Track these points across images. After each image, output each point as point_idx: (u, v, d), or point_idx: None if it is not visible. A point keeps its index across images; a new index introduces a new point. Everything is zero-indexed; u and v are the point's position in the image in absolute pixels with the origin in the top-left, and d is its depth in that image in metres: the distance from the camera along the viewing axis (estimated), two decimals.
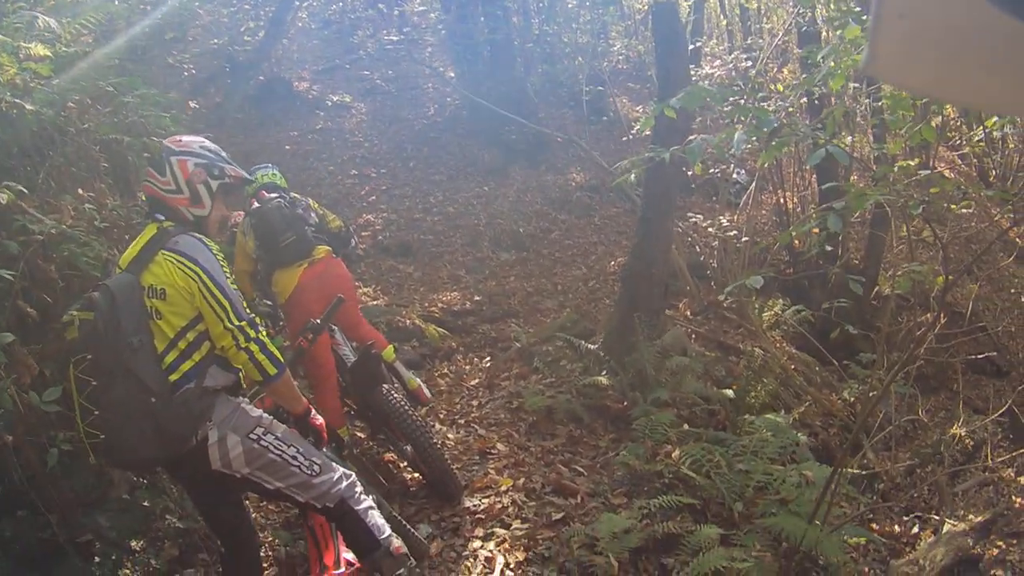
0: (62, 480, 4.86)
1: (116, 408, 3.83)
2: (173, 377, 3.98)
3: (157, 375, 3.92)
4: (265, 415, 4.31)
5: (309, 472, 4.26)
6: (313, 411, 4.51)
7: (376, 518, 4.46)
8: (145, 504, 5.54)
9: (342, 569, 4.62)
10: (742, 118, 6.53)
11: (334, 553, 4.74)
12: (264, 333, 4.06)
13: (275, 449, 4.18)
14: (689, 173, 12.63)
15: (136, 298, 3.96)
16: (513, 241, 14.95)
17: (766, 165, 12.90)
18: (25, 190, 4.82)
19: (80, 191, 5.64)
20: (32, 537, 4.60)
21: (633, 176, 7.18)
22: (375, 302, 11.69)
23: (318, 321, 5.71)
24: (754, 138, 6.13)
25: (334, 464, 4.49)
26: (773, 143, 6.36)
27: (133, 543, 5.23)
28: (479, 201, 16.54)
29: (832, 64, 7.30)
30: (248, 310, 4.08)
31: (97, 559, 4.88)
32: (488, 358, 10.53)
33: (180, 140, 4.41)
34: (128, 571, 5.03)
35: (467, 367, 10.33)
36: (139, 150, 6.16)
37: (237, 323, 3.98)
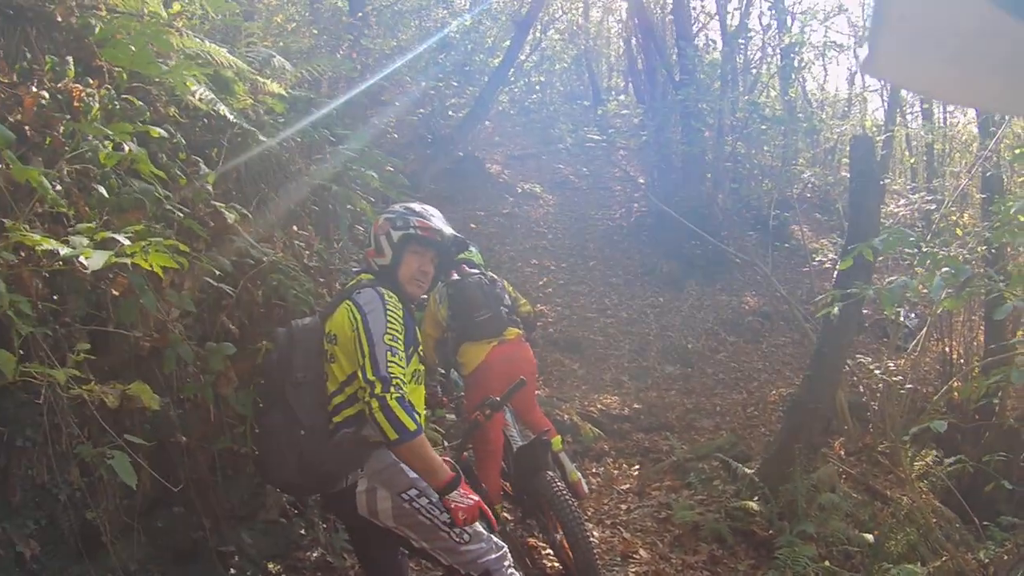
0: (221, 490, 5.14)
1: (268, 432, 4.21)
2: (336, 419, 4.23)
3: (316, 412, 4.18)
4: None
5: (458, 539, 4.29)
6: (458, 492, 4.17)
7: None
8: (302, 532, 5.86)
9: None
10: (931, 264, 6.60)
11: None
12: (396, 396, 3.95)
13: (426, 512, 4.22)
14: (865, 312, 12.62)
15: (315, 340, 4.28)
16: (679, 355, 15.05)
17: (939, 312, 12.83)
18: (248, 214, 5.17)
19: (295, 228, 5.98)
20: (183, 535, 4.87)
21: (836, 309, 7.31)
22: (537, 392, 11.92)
23: (498, 399, 5.95)
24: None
25: (487, 535, 4.49)
26: (964, 292, 6.45)
27: (271, 565, 5.50)
28: (652, 311, 16.70)
29: (1022, 217, 7.36)
30: (394, 371, 4.03)
31: (233, 571, 5.13)
32: (637, 466, 10.64)
33: (397, 205, 4.81)
34: None
35: (615, 471, 10.46)
36: (343, 200, 6.47)
37: (370, 376, 3.97)
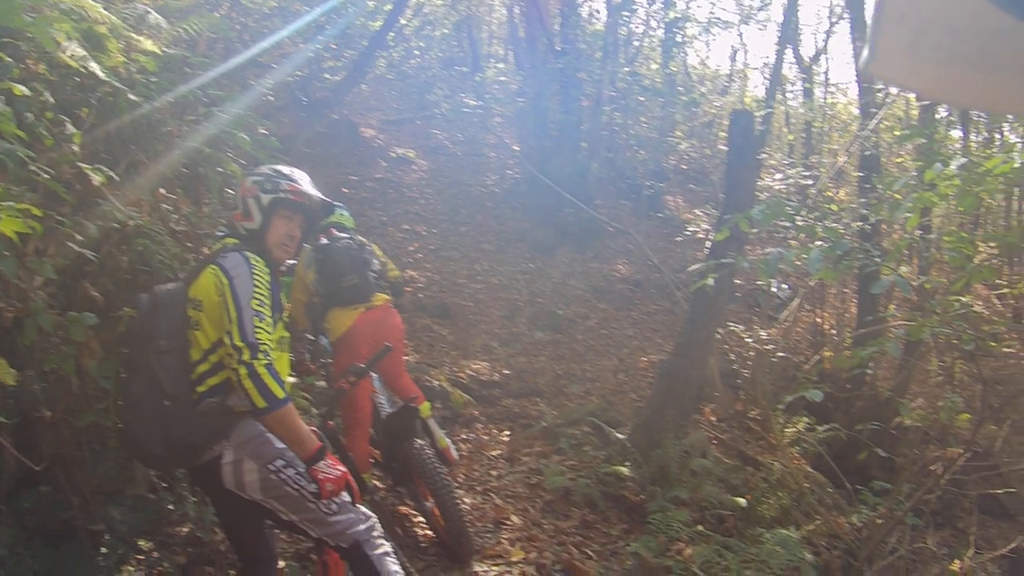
0: (88, 466, 4.89)
1: (133, 403, 3.96)
2: (200, 389, 4.08)
3: (180, 382, 4.00)
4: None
5: (326, 510, 4.22)
6: (324, 463, 4.14)
7: (390, 565, 4.38)
8: (170, 507, 5.60)
9: None
10: (809, 236, 6.60)
11: None
12: (264, 362, 3.86)
13: (293, 483, 4.13)
14: (738, 281, 12.70)
15: (179, 306, 4.09)
16: (550, 322, 14.96)
17: (811, 283, 12.97)
18: (116, 176, 4.91)
19: (162, 191, 5.73)
20: (51, 515, 4.64)
21: (712, 280, 7.25)
22: (406, 358, 11.78)
23: (363, 366, 5.77)
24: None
25: (355, 506, 4.43)
26: (841, 264, 6.45)
27: (142, 542, 5.26)
28: (523, 277, 16.59)
29: (898, 196, 7.40)
30: (261, 337, 3.92)
31: (104, 550, 4.90)
32: (508, 432, 10.56)
33: (257, 167, 4.66)
34: (132, 568, 5.05)
35: (486, 437, 10.37)
36: (214, 163, 6.25)
37: (237, 342, 3.86)
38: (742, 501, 8.51)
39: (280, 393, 3.89)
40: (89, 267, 4.79)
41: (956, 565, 8.98)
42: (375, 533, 4.41)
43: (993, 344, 9.01)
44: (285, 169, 4.59)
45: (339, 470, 4.19)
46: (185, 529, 5.65)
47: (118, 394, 4.04)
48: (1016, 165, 6.12)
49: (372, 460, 7.34)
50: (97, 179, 4.58)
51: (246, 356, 3.83)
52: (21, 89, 4.06)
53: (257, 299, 4.02)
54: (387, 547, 4.45)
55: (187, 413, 3.95)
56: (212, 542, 5.68)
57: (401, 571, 4.49)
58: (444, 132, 22.14)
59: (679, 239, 15.95)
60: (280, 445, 4.13)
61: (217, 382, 4.07)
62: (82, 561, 4.68)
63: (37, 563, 4.40)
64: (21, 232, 3.54)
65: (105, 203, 4.75)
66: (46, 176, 4.24)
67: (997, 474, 11.96)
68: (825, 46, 41.32)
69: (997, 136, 19.16)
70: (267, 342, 3.95)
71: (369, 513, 4.50)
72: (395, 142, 21.49)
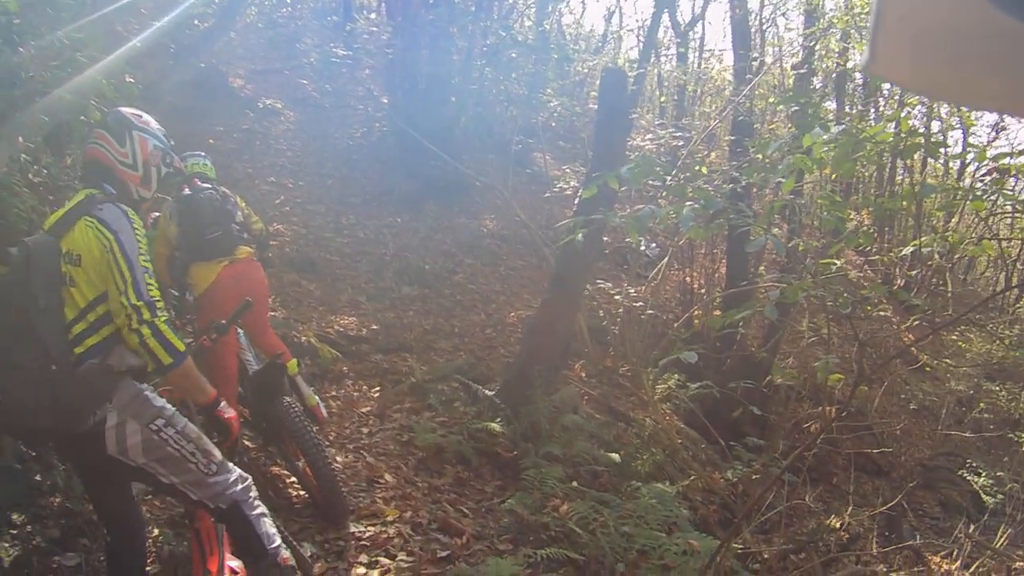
0: None
1: (16, 372, 3.68)
2: (78, 350, 3.87)
3: (60, 344, 3.80)
4: (168, 406, 4.14)
5: (206, 470, 4.15)
6: (224, 403, 4.34)
7: (268, 527, 4.35)
8: (37, 478, 5.39)
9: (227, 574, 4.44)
10: (679, 196, 6.62)
11: (218, 560, 4.50)
12: (163, 319, 3.86)
13: (174, 443, 4.05)
14: (606, 239, 12.76)
15: (52, 260, 3.86)
16: (417, 277, 14.89)
17: (680, 243, 13.09)
18: None
19: (20, 139, 5.52)
20: None
21: (580, 236, 7.24)
22: (272, 313, 11.61)
23: (223, 322, 5.63)
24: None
25: (231, 466, 4.36)
26: (712, 224, 6.48)
27: (15, 516, 5.05)
28: (390, 231, 16.49)
29: (769, 161, 7.46)
30: (154, 294, 3.88)
31: None
32: (378, 388, 10.43)
33: (140, 116, 4.39)
34: (7, 545, 4.85)
35: (355, 394, 10.23)
36: (78, 112, 6.05)
37: (134, 302, 3.79)
38: (616, 457, 8.55)
39: (181, 346, 3.90)
40: None
41: (836, 521, 9.17)
42: (252, 494, 4.36)
43: (868, 308, 9.22)
44: (154, 123, 4.45)
45: (232, 412, 4.33)
46: (56, 500, 5.43)
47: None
48: (893, 135, 6.22)
49: (241, 419, 7.19)
50: None
51: (147, 315, 3.78)
52: None
53: (143, 255, 3.92)
54: (263, 508, 4.42)
55: (70, 377, 3.75)
56: (84, 512, 5.46)
57: (276, 533, 4.43)
58: (313, 83, 21.86)
59: (547, 195, 15.95)
60: (158, 404, 4.05)
61: (96, 342, 3.89)
62: None
63: None
64: None
65: None
66: None
67: (871, 433, 12.28)
68: (703, 12, 41.77)
69: (872, 110, 19.69)
70: (159, 298, 3.90)
71: (245, 475, 4.43)
72: (263, 93, 21.16)
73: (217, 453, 4.26)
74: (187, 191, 6.91)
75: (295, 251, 14.40)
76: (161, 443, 4.00)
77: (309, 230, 15.54)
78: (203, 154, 7.54)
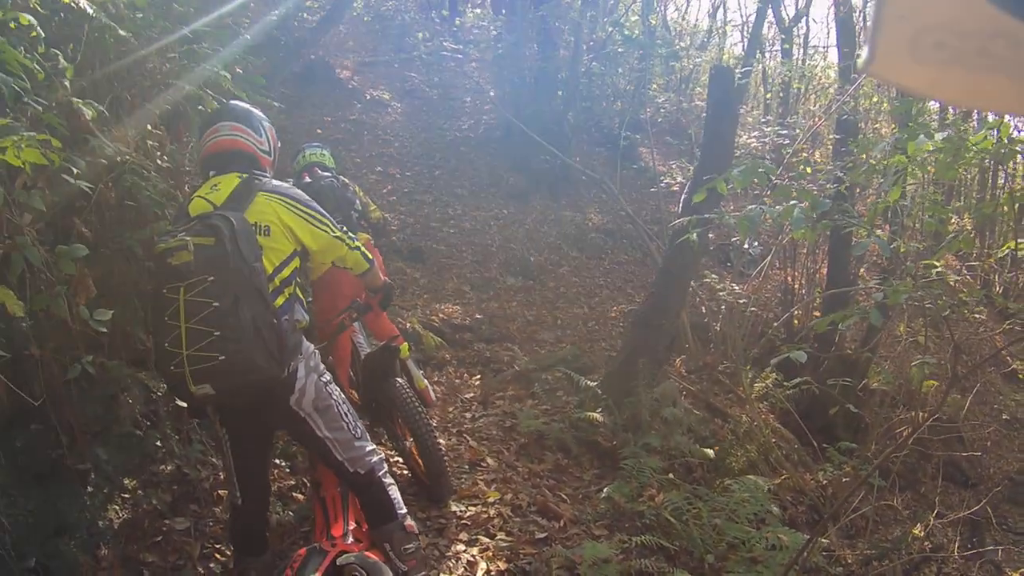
0: (76, 405, 4.81)
1: (245, 328, 3.83)
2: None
3: (271, 302, 4.05)
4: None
5: (353, 432, 4.43)
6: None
7: (397, 494, 4.57)
8: (158, 444, 5.58)
9: (350, 540, 4.60)
10: (784, 196, 6.64)
11: (343, 526, 4.73)
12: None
13: (336, 398, 4.40)
14: (711, 236, 12.76)
15: (250, 231, 4.06)
16: (522, 268, 15.05)
17: (783, 242, 13.06)
18: (105, 111, 4.88)
19: (149, 127, 5.70)
20: (41, 454, 4.59)
21: (695, 235, 7.32)
22: None
23: (366, 303, 5.78)
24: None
25: (369, 437, 4.63)
26: (819, 224, 6.53)
27: (127, 481, 5.23)
28: (496, 222, 16.68)
29: (873, 162, 7.47)
30: None
31: (90, 489, 4.87)
32: (479, 376, 10.62)
33: (256, 108, 4.81)
34: (118, 507, 5.03)
35: (457, 380, 10.42)
36: (196, 102, 6.22)
37: (339, 233, 4.51)
38: (710, 452, 8.60)
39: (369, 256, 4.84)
40: (79, 204, 4.75)
41: (919, 529, 9.13)
42: (385, 467, 4.64)
43: (965, 312, 9.15)
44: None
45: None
46: (170, 467, 5.63)
47: (217, 326, 3.95)
48: (994, 142, 6.22)
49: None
50: (88, 114, 4.55)
51: (349, 239, 4.62)
52: (28, 18, 4.02)
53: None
54: (392, 480, 4.65)
55: (282, 331, 4.03)
56: (197, 479, 5.70)
57: (402, 502, 4.64)
58: (420, 75, 21.94)
59: (653, 190, 15.96)
60: (322, 363, 4.48)
61: (282, 302, 4.17)
62: (71, 500, 4.66)
63: (29, 503, 4.37)
64: (15, 165, 3.52)
65: (94, 139, 4.73)
66: (39, 108, 4.21)
67: (959, 439, 12.15)
68: (807, 8, 41.29)
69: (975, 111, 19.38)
70: None
71: (377, 448, 4.72)
72: (371, 84, 21.42)
73: (360, 422, 4.59)
74: (307, 179, 7.12)
75: (402, 240, 14.59)
76: (327, 396, 4.35)
77: (416, 219, 15.73)
78: (321, 144, 7.75)
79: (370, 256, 4.83)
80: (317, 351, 4.46)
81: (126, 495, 5.17)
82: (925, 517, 9.46)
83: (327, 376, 4.42)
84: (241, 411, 4.31)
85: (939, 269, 7.19)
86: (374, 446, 4.61)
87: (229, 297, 3.82)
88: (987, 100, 1.01)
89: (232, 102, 4.90)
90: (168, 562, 5.09)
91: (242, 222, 4.02)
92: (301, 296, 4.46)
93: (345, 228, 4.63)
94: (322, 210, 4.50)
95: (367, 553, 4.32)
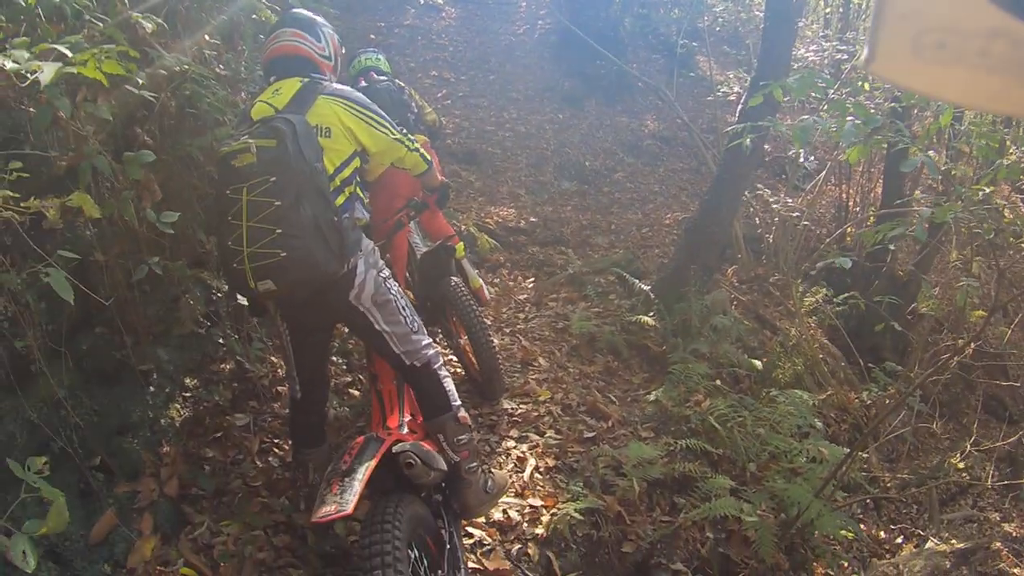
0: (140, 307, 4.91)
1: (305, 226, 3.94)
2: None
3: (332, 200, 4.13)
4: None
5: (410, 326, 4.50)
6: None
7: (451, 387, 4.65)
8: (219, 341, 5.70)
9: (405, 431, 4.68)
10: (839, 111, 6.63)
11: (398, 417, 4.84)
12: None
13: (394, 293, 4.47)
14: (767, 148, 12.70)
15: (312, 134, 4.15)
16: (577, 173, 15.10)
17: (840, 158, 12.99)
18: (164, 23, 4.92)
19: (205, 36, 5.76)
20: (107, 355, 4.67)
21: (748, 141, 7.32)
22: None
23: (421, 200, 5.86)
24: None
25: (426, 331, 4.71)
26: (870, 141, 6.51)
27: (188, 380, 5.37)
28: (551, 127, 16.64)
29: None
30: None
31: (152, 389, 4.98)
32: (532, 279, 10.75)
33: (317, 16, 4.92)
34: (179, 405, 5.17)
35: (511, 283, 10.56)
36: (250, 11, 6.25)
37: (398, 135, 4.67)
38: (758, 363, 8.68)
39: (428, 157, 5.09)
40: (140, 114, 4.84)
41: (957, 459, 9.16)
42: (441, 359, 4.72)
43: (1013, 239, 9.07)
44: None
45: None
46: (230, 365, 5.80)
47: (281, 222, 4.03)
48: None
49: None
50: (149, 27, 4.60)
51: (408, 140, 4.77)
52: None
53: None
54: (447, 373, 4.73)
55: (343, 227, 4.12)
56: (257, 376, 5.85)
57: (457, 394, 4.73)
58: None
59: (710, 99, 15.88)
60: (381, 260, 4.56)
61: (342, 201, 4.29)
62: (134, 400, 4.79)
63: (94, 403, 4.49)
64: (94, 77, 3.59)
65: (153, 52, 4.80)
66: (100, 24, 4.25)
67: (1004, 371, 12.09)
68: None
69: None
70: None
71: (434, 342, 4.80)
72: None
73: (418, 317, 4.67)
74: (364, 83, 7.19)
75: (457, 143, 14.67)
76: (386, 291, 4.42)
77: (471, 123, 15.79)
78: (376, 49, 7.80)
79: (428, 157, 4.98)
80: (376, 248, 4.53)
81: (187, 393, 5.32)
82: (963, 446, 9.48)
83: (386, 272, 4.49)
84: (302, 306, 4.41)
85: (986, 192, 7.17)
86: (430, 339, 4.68)
87: (291, 196, 3.91)
88: (988, 100, 1.01)
89: (294, 10, 4.95)
90: (228, 456, 5.26)
91: (303, 124, 4.10)
92: (361, 195, 4.56)
93: (404, 130, 4.73)
94: (382, 112, 4.58)
95: (422, 443, 4.42)
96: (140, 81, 4.30)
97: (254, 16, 6.19)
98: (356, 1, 18.19)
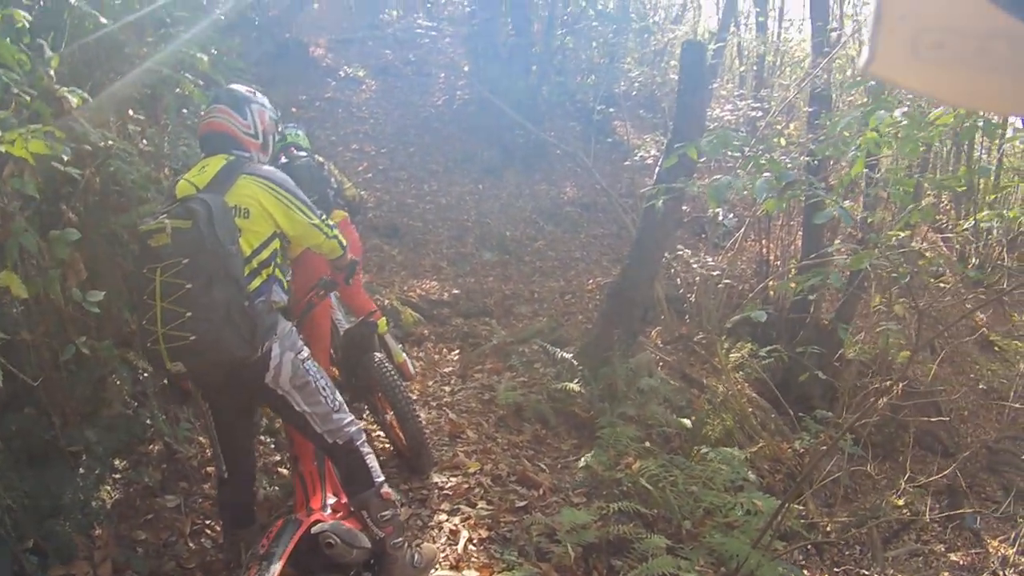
0: (67, 388, 4.87)
1: (216, 309, 3.96)
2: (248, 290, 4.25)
3: (245, 284, 4.14)
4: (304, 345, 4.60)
5: (331, 405, 4.51)
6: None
7: (374, 463, 4.65)
8: (147, 422, 5.62)
9: (328, 511, 4.73)
10: (754, 167, 6.76)
11: (321, 498, 4.88)
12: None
13: (313, 374, 4.46)
14: (685, 208, 12.85)
15: (228, 215, 4.15)
16: (498, 243, 15.12)
17: (758, 214, 13.16)
18: (89, 97, 4.93)
19: (130, 112, 5.76)
20: (35, 436, 4.65)
21: (661, 203, 7.44)
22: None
23: (331, 279, 5.88)
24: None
25: (347, 409, 4.71)
26: (785, 195, 6.64)
27: (117, 461, 5.33)
28: (471, 198, 16.72)
29: (846, 133, 7.58)
30: None
31: (82, 470, 4.93)
32: (457, 351, 10.73)
33: (254, 92, 4.89)
34: (109, 487, 5.13)
35: (436, 356, 10.52)
36: (172, 85, 6.26)
37: (319, 220, 4.64)
38: (687, 422, 8.69)
39: (344, 242, 5.02)
40: (66, 190, 4.83)
41: (898, 499, 9.27)
42: (363, 436, 4.72)
43: (931, 280, 9.26)
44: (265, 99, 4.99)
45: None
46: (159, 446, 5.75)
47: (192, 305, 4.04)
48: (954, 116, 6.33)
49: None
50: (74, 101, 4.62)
51: (327, 227, 4.74)
52: (22, 15, 4.09)
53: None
54: (370, 449, 4.73)
55: (255, 313, 4.12)
56: (185, 457, 5.79)
57: (380, 471, 4.72)
58: (394, 53, 21.99)
59: (627, 164, 15.98)
60: (300, 340, 4.58)
61: (259, 284, 4.31)
62: (64, 482, 4.72)
63: (25, 485, 4.42)
64: (20, 155, 3.60)
65: (77, 125, 4.79)
66: (28, 98, 4.27)
67: (936, 409, 12.28)
68: None
69: None
70: None
71: (356, 419, 4.79)
72: (345, 62, 21.39)
73: (339, 395, 4.67)
74: (284, 159, 7.21)
75: (378, 217, 14.69)
76: (304, 373, 4.42)
77: (392, 196, 15.81)
78: (295, 124, 7.85)
79: (345, 243, 4.99)
80: (294, 329, 4.56)
81: (117, 475, 5.28)
82: (900, 483, 9.60)
83: (304, 353, 4.50)
84: (220, 388, 4.43)
85: (902, 237, 7.32)
86: (352, 417, 4.69)
87: (202, 279, 3.94)
88: (987, 100, 1.06)
89: (231, 86, 5.00)
90: (161, 539, 5.21)
91: (220, 205, 4.11)
92: (281, 277, 4.56)
93: (323, 215, 4.73)
94: (303, 195, 4.59)
95: (343, 522, 4.43)
96: (65, 157, 4.30)
97: (177, 90, 6.20)
98: (278, 74, 18.18)
